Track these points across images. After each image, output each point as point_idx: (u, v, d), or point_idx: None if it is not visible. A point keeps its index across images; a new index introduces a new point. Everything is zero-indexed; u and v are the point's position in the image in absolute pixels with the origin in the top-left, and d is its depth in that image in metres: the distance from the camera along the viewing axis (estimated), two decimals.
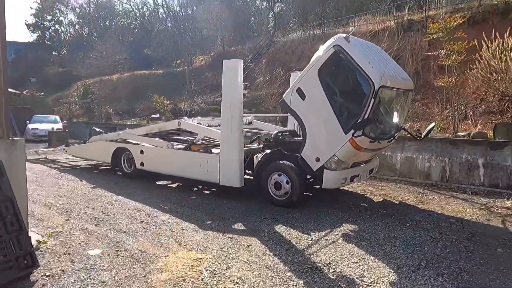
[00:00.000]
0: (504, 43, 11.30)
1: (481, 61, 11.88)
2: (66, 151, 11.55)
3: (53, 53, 50.66)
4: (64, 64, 42.93)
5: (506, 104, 12.30)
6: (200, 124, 8.37)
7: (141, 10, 51.45)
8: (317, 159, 6.33)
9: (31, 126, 20.02)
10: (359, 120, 5.78)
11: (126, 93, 27.96)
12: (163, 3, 49.08)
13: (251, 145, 8.12)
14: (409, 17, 20.02)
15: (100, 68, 32.66)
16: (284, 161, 6.71)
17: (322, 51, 6.20)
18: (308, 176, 6.75)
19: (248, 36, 35.66)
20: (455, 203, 7.07)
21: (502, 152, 7.81)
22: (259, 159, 7.02)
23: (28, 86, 40.10)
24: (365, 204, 7.01)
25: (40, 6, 47.78)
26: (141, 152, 8.87)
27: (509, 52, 11.19)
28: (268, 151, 7.06)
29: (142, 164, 8.85)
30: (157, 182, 8.92)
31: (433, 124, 7.29)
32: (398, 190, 8.20)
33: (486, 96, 13.45)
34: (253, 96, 20.50)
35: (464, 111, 11.93)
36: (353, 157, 6.36)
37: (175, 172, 8.34)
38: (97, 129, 11.24)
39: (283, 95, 6.71)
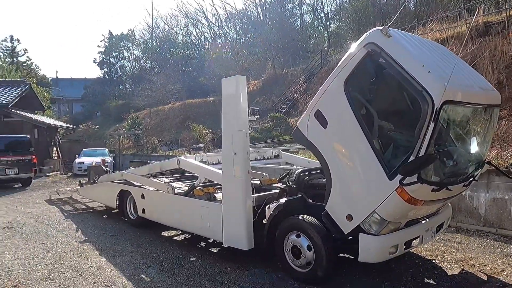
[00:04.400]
0: None
1: None
2: (79, 192, 10.46)
3: (120, 87, 53.26)
4: (124, 97, 44.62)
5: None
6: (205, 161, 6.62)
7: (200, 40, 52.59)
8: (349, 217, 4.17)
9: (77, 160, 19.89)
10: (411, 159, 3.59)
11: (176, 123, 27.49)
12: (220, 33, 49.63)
13: (278, 184, 6.24)
14: (485, 19, 16.85)
15: (155, 99, 32.96)
16: (304, 216, 4.64)
17: (352, 51, 4.13)
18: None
19: (304, 58, 34.02)
20: None
21: None
22: (271, 212, 5.01)
23: (94, 119, 42.20)
24: (431, 281, 4.63)
25: (107, 44, 50.73)
26: (142, 196, 7.30)
27: None
28: (283, 200, 5.03)
29: (143, 211, 7.27)
30: (162, 233, 7.25)
31: None
32: (484, 251, 5.61)
33: None
34: None
35: None
36: (406, 214, 4.11)
37: (176, 223, 6.61)
38: (103, 167, 9.97)
39: (298, 122, 4.71)
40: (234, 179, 5.19)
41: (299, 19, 42.08)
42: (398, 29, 4.58)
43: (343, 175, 4.20)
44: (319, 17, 38.87)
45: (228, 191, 5.32)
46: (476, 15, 17.56)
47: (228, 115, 5.33)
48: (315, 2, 38.74)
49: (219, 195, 5.81)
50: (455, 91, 3.65)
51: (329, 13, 38.09)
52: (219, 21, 48.34)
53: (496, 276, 4.67)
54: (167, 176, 8.35)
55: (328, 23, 37.33)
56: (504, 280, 4.54)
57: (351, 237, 4.42)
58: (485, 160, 4.76)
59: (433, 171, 3.84)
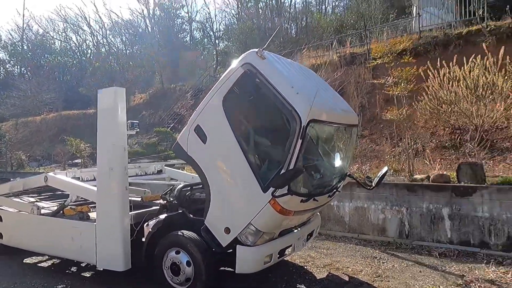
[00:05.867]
0: (451, 73, 10.30)
1: (429, 92, 10.84)
2: None
3: None
4: None
5: (458, 138, 11.23)
6: (78, 178, 6.12)
7: (81, 48, 48.83)
8: (227, 230, 4.29)
9: None
10: (282, 172, 3.88)
11: (50, 136, 24.75)
12: (104, 41, 46.87)
13: (160, 201, 5.99)
14: (352, 51, 19.34)
15: (24, 108, 29.28)
16: (183, 232, 4.60)
17: (231, 68, 4.33)
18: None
19: (193, 74, 34.20)
20: (422, 274, 5.25)
21: (471, 200, 6.23)
22: (150, 229, 4.85)
23: None
24: (303, 286, 5.00)
25: None
26: (0, 219, 6.37)
27: (456, 82, 10.20)
28: (162, 216, 4.92)
29: (1, 236, 6.33)
30: (24, 260, 6.40)
31: (385, 168, 5.58)
32: (347, 254, 6.30)
33: (436, 130, 12.43)
34: None
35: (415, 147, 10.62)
36: (279, 224, 4.40)
37: (42, 248, 5.91)
38: None
39: (178, 137, 4.72)
40: (110, 196, 4.91)
41: (188, 35, 42.38)
42: (278, 53, 4.97)
43: (221, 189, 4.31)
44: (208, 35, 39.76)
45: (103, 209, 4.99)
46: (339, 46, 20.04)
47: (105, 128, 5.04)
48: (205, 20, 39.58)
49: (93, 214, 5.40)
50: (319, 111, 4.09)
51: (218, 32, 39.29)
52: (103, 29, 45.78)
53: (355, 276, 5.27)
54: (33, 196, 7.43)
55: (217, 42, 38.40)
56: (361, 279, 5.15)
57: (230, 250, 4.54)
58: (347, 173, 5.39)
59: (302, 183, 4.21)
